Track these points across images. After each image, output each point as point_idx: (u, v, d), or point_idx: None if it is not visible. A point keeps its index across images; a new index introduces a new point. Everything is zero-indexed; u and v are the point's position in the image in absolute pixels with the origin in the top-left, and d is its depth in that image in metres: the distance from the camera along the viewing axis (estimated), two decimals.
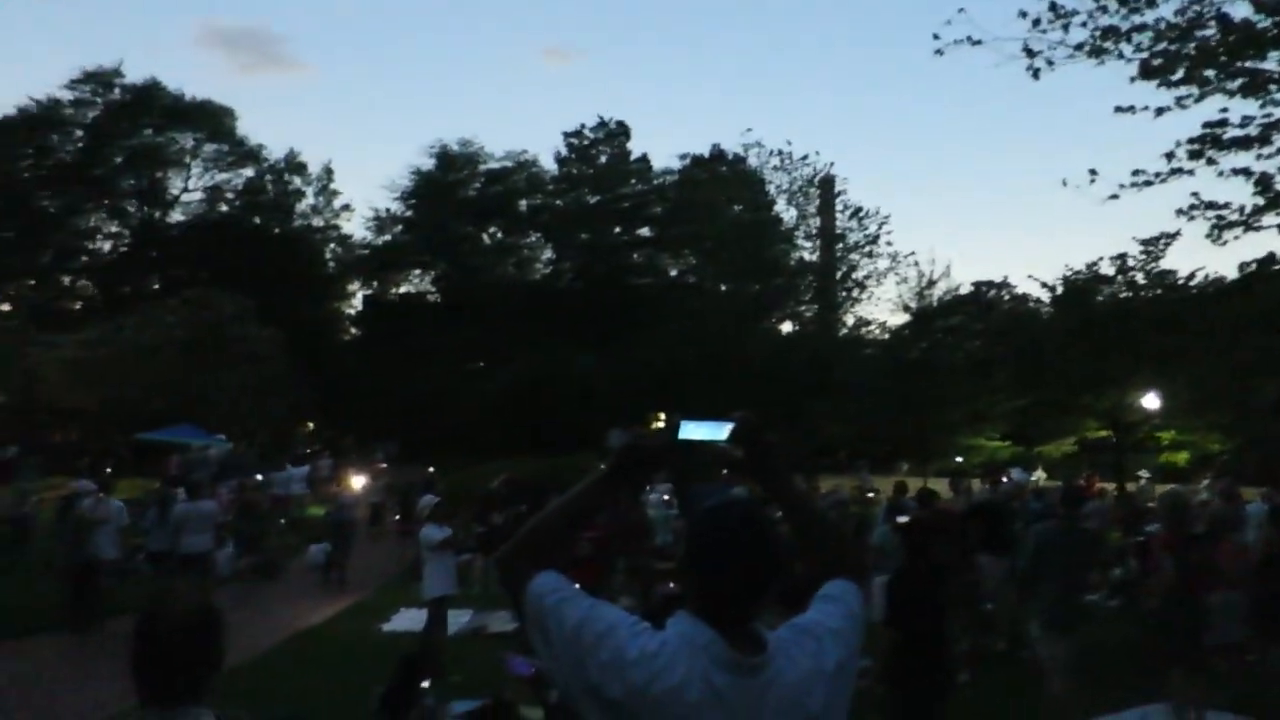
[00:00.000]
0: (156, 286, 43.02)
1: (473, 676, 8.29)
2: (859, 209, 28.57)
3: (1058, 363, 25.06)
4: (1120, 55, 9.30)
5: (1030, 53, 9.11)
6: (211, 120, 45.34)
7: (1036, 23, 9.13)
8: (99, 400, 28.81)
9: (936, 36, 9.35)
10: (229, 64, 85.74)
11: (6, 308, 38.16)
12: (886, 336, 29.18)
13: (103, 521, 12.21)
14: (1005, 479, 17.59)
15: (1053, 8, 9.13)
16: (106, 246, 47.09)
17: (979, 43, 9.21)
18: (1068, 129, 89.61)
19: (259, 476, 23.00)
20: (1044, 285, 27.61)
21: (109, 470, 20.36)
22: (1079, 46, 9.28)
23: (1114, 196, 8.86)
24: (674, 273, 44.75)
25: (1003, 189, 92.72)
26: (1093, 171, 9.07)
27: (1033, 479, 24.15)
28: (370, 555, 18.70)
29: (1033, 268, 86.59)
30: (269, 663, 10.12)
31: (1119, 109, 9.14)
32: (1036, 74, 9.17)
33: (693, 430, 2.04)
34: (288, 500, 23.25)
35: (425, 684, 7.07)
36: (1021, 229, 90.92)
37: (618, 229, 44.12)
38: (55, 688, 9.17)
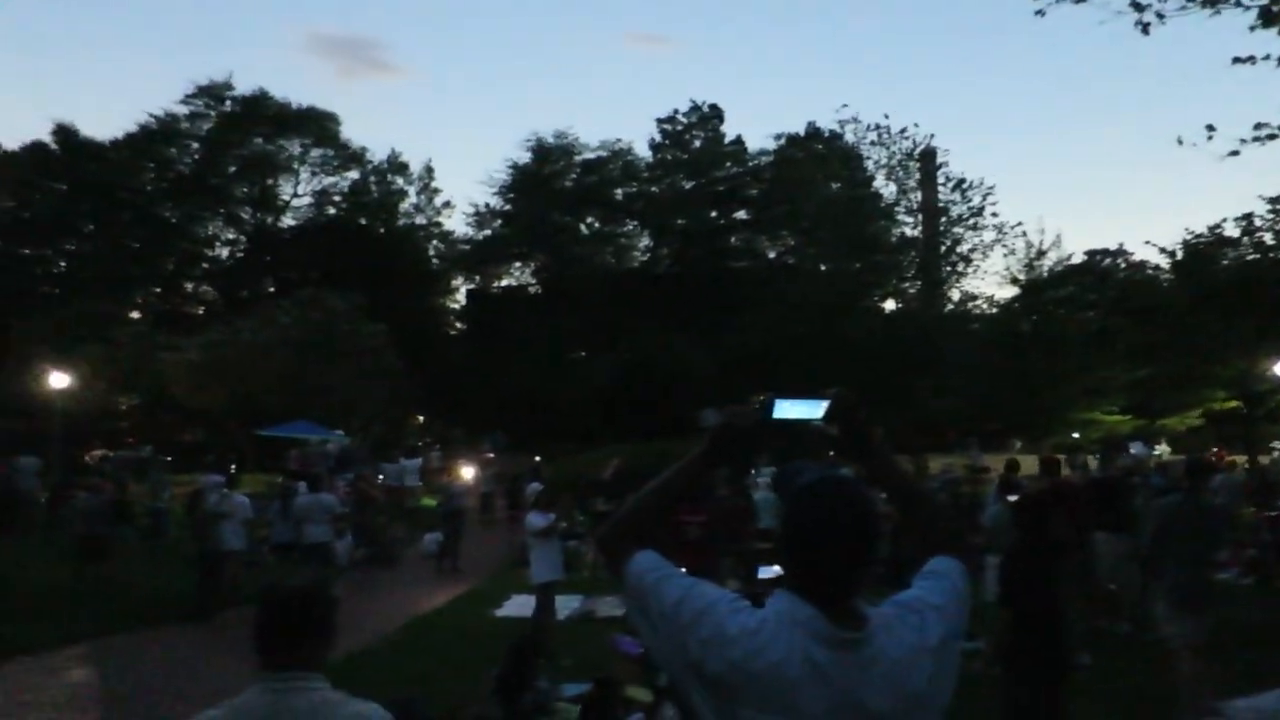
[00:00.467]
0: (271, 289, 44.70)
1: (583, 660, 8.41)
2: (961, 180, 27.71)
3: (1181, 332, 23.95)
4: (1238, 2, 8.78)
5: (1138, 6, 8.65)
6: (317, 126, 46.81)
7: None
8: (222, 399, 30.10)
9: None
10: (331, 71, 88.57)
11: (135, 315, 40.21)
12: (994, 311, 28.27)
13: (228, 515, 12.80)
14: (1125, 453, 16.91)
15: None
16: (224, 253, 49.15)
17: (1081, 0, 8.82)
18: (1181, 85, 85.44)
19: (381, 468, 23.75)
20: (1163, 251, 26.38)
21: (233, 466, 21.31)
22: None
23: (1234, 153, 8.36)
24: (772, 254, 44.30)
25: (1113, 153, 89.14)
26: (1210, 127, 8.59)
27: (1155, 453, 23.19)
28: (482, 543, 19.15)
29: (1149, 233, 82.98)
30: (388, 648, 10.46)
31: (1237, 60, 8.62)
32: (1146, 29, 8.72)
33: (787, 409, 2.01)
34: (401, 491, 23.95)
35: (536, 668, 7.19)
36: (1135, 194, 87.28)
37: (714, 213, 43.88)
38: (185, 672, 9.66)
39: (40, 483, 21.51)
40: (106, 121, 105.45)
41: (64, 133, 44.80)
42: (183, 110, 45.70)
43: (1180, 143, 8.51)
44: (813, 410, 2.02)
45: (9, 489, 15.16)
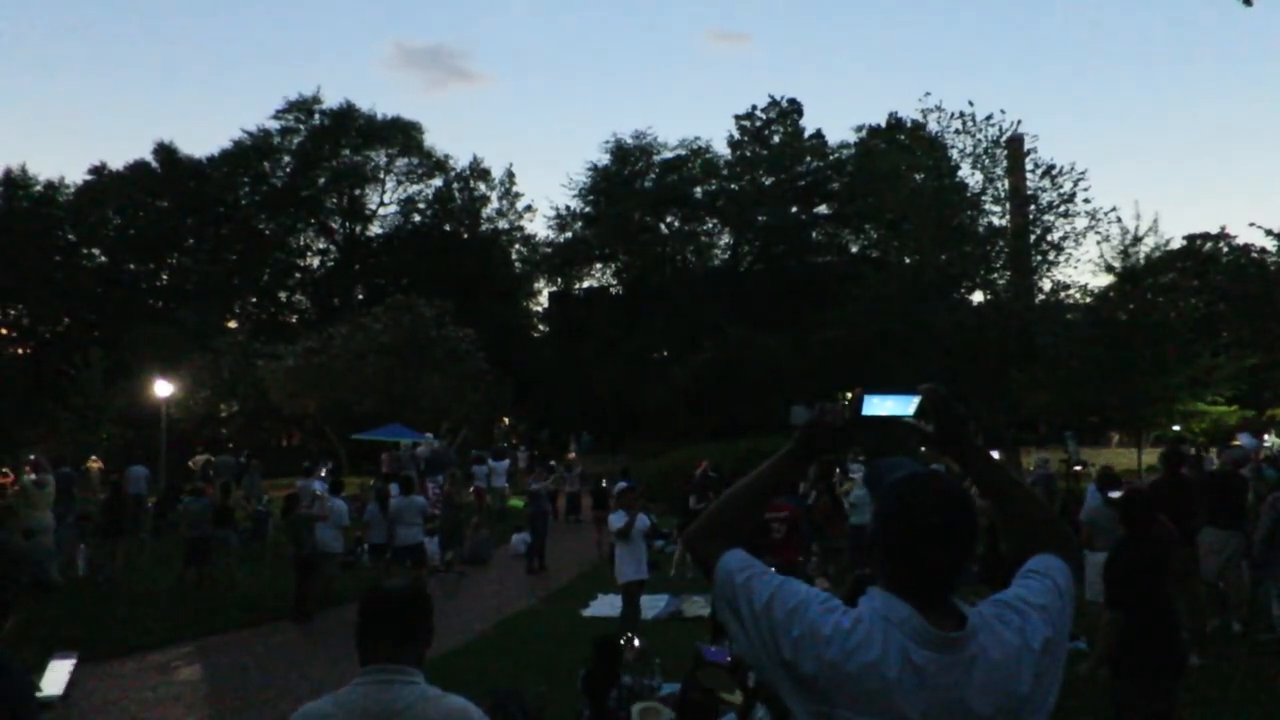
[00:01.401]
0: (361, 296, 45.90)
1: (670, 659, 8.38)
2: (1051, 166, 26.79)
3: None
4: None
5: None
6: (402, 136, 47.93)
7: None
8: (317, 405, 30.97)
9: None
10: (415, 81, 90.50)
11: (233, 325, 41.66)
12: (1089, 300, 27.32)
13: (320, 518, 13.14)
14: (1234, 444, 16.18)
15: None
16: (316, 262, 50.62)
17: None
18: None
19: (474, 469, 24.12)
20: (1269, 233, 25.18)
21: (331, 470, 21.89)
22: None
23: None
24: (856, 248, 43.68)
25: (1212, 131, 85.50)
26: None
27: (1265, 445, 22.16)
28: (569, 544, 19.30)
29: (1254, 215, 79.29)
30: (479, 647, 10.61)
31: None
32: (1249, 0, 8.32)
33: (877, 405, 1.97)
34: (490, 493, 24.28)
35: (621, 665, 7.21)
36: (1238, 174, 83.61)
37: (795, 208, 43.46)
38: (286, 669, 9.94)
39: (148, 489, 22.46)
40: (204, 139, 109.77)
41: (165, 151, 46.80)
42: (274, 125, 47.40)
43: None
44: (904, 406, 1.98)
45: (118, 496, 15.82)
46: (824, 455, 2.08)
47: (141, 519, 21.04)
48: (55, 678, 2.97)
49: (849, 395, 2.01)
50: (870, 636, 1.70)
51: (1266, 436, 24.88)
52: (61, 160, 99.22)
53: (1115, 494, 6.93)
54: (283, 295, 50.25)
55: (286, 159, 47.94)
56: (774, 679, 1.77)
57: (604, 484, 18.94)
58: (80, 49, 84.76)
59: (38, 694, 2.29)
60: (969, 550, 1.82)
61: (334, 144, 47.29)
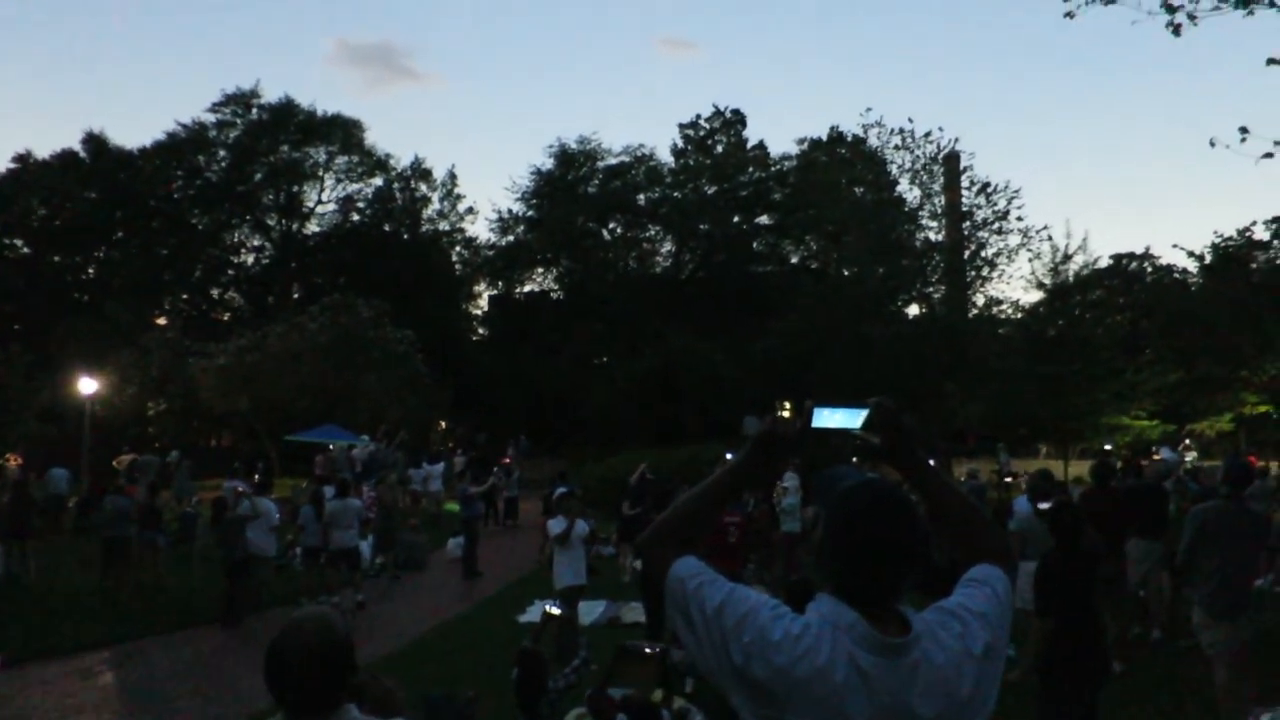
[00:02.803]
0: (297, 295, 45.03)
1: (605, 666, 8.37)
2: (986, 184, 27.48)
3: (1211, 335, 23.69)
4: (1272, 3, 8.66)
5: (1170, 8, 8.54)
6: (342, 133, 47.16)
7: None
8: (250, 405, 30.32)
9: None
10: (357, 79, 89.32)
11: (163, 321, 40.60)
12: (1020, 315, 28.06)
13: (253, 518, 12.88)
14: (1155, 458, 16.73)
15: None
16: (250, 259, 49.56)
17: (1112, 1, 8.71)
18: (1212, 89, 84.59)
19: (410, 472, 23.85)
20: (1191, 255, 26.10)
21: (261, 471, 21.46)
22: None
23: (1269, 155, 8.22)
24: (796, 259, 44.21)
25: (1140, 157, 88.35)
26: (1244, 129, 8.47)
27: (1186, 459, 22.92)
28: (507, 549, 19.19)
29: (1177, 237, 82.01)
30: (414, 652, 10.49)
31: (1272, 61, 8.50)
32: (1177, 30, 8.60)
33: (827, 418, 2.02)
34: (423, 497, 24.03)
35: (549, 671, 7.17)
36: (1162, 198, 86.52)
37: (737, 218, 43.84)
38: (213, 676, 9.73)
39: (69, 489, 21.79)
40: (136, 130, 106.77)
41: (94, 141, 45.40)
42: (211, 119, 46.23)
43: (1213, 145, 8.38)
44: (852, 420, 2.02)
45: (22, 496, 15.30)
46: (774, 466, 2.11)
47: (61, 519, 20.45)
48: None
49: (790, 406, 2.06)
50: (819, 642, 1.73)
51: (1188, 453, 25.71)
52: None
53: (1045, 505, 7.11)
54: (215, 292, 49.07)
55: (222, 153, 46.79)
56: (724, 684, 1.80)
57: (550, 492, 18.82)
58: (7, 33, 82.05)
59: None
60: (915, 558, 1.85)
61: (272, 139, 46.31)
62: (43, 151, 45.94)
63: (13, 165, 45.12)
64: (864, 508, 1.84)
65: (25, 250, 45.68)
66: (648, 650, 7.59)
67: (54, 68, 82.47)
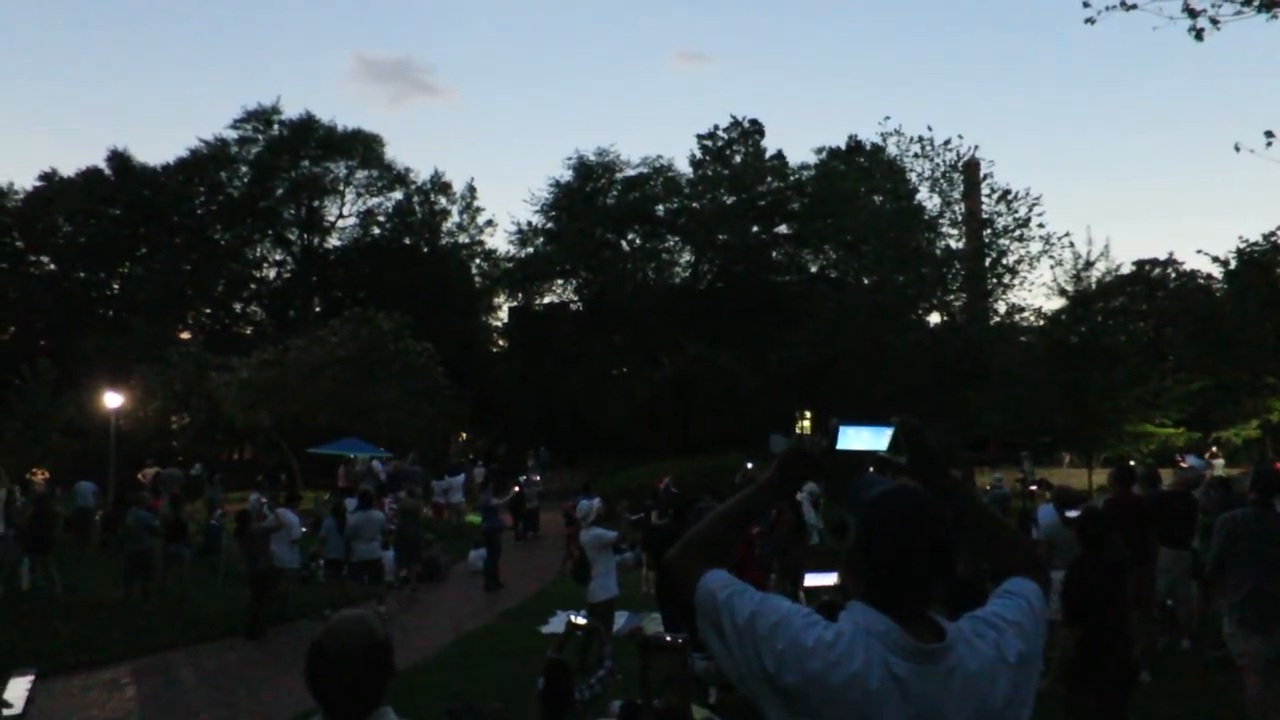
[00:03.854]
0: (318, 309, 45.38)
1: (631, 676, 8.36)
2: (1007, 191, 27.32)
3: (1237, 342, 23.44)
4: None
5: (1192, 13, 8.50)
6: (362, 148, 47.55)
7: None
8: (271, 418, 30.51)
9: (1087, 4, 8.86)
10: (378, 94, 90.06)
11: (186, 336, 40.98)
12: (1042, 323, 27.87)
13: (277, 528, 12.94)
14: (1181, 465, 16.56)
15: None
16: (272, 274, 49.99)
17: (1133, 7, 8.68)
18: (1236, 93, 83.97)
19: (433, 485, 23.94)
20: (1215, 260, 25.83)
21: (286, 484, 21.61)
22: (1247, 1, 8.62)
23: None
24: (815, 268, 44.10)
25: (1163, 162, 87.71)
26: (1269, 134, 8.41)
27: (1212, 466, 22.66)
28: (528, 560, 19.21)
29: (1201, 243, 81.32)
30: (438, 663, 10.51)
31: None
32: (1200, 35, 8.56)
33: (852, 437, 2.04)
34: (445, 508, 24.10)
35: (574, 683, 7.17)
36: (1186, 203, 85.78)
37: (756, 228, 43.77)
38: (237, 687, 9.77)
39: (96, 502, 21.99)
40: (160, 147, 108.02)
41: (119, 159, 46.00)
42: (232, 135, 46.79)
43: (1239, 150, 8.33)
44: (878, 439, 2.04)
45: (44, 510, 15.45)
46: (801, 484, 2.15)
47: (88, 532, 20.64)
48: (14, 694, 2.90)
49: (809, 416, 2.08)
50: (852, 649, 1.73)
51: (1214, 460, 25.43)
52: (11, 166, 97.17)
53: (1072, 513, 7.05)
54: (238, 307, 49.51)
55: (244, 169, 47.31)
56: (757, 694, 1.80)
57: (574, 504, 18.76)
58: (34, 53, 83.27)
59: None
60: (947, 564, 1.86)
61: (293, 155, 46.76)
62: (68, 170, 46.72)
63: (39, 183, 45.80)
64: (895, 514, 1.85)
65: (51, 267, 46.29)
66: (669, 639, 7.56)
67: (79, 87, 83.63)
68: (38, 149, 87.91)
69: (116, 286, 47.61)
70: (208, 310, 47.97)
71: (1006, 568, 2.02)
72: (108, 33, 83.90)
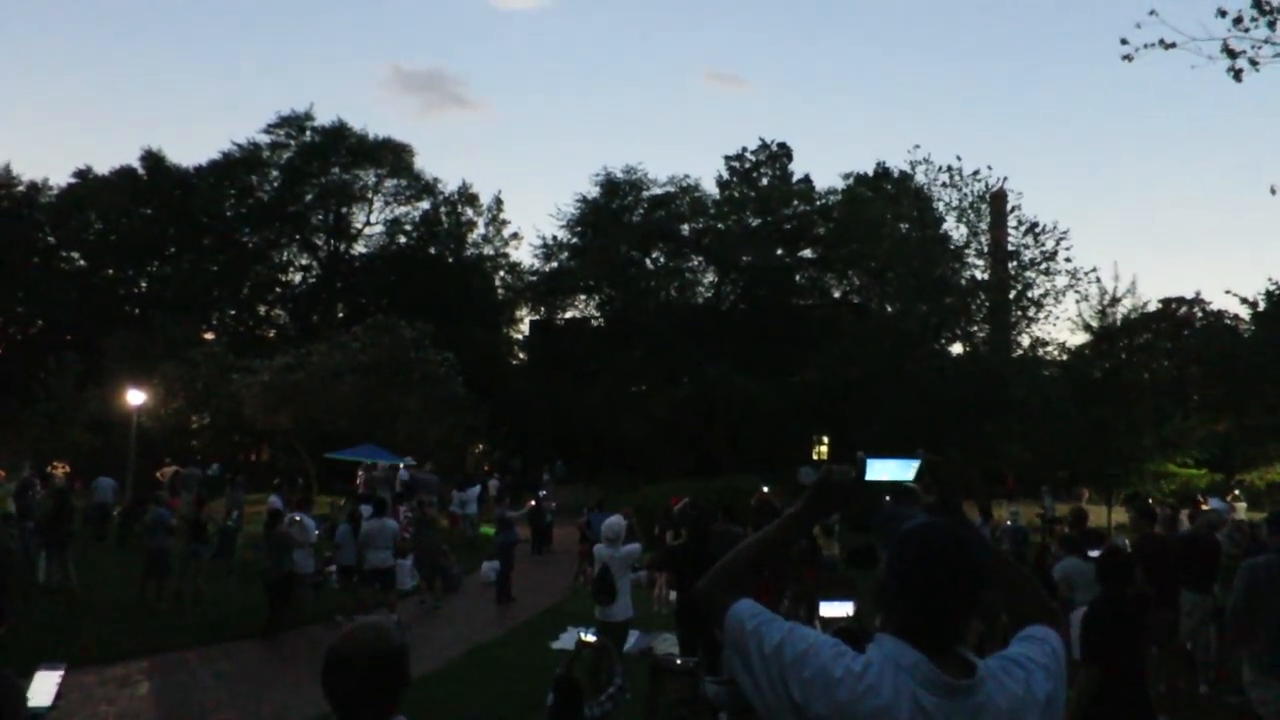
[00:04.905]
0: (342, 314, 45.66)
1: (640, 697, 8.33)
2: (1034, 224, 27.21)
3: (1263, 383, 23.21)
4: None
5: (1231, 53, 8.49)
6: (392, 157, 47.95)
7: (1238, 21, 8.51)
8: (290, 421, 30.67)
9: (1125, 41, 8.85)
10: (411, 104, 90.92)
11: (210, 336, 41.32)
12: (1066, 357, 27.70)
13: (303, 545, 13.00)
14: (1203, 507, 16.34)
15: (1256, 4, 8.49)
16: (298, 278, 50.35)
17: (1172, 46, 8.65)
18: (1272, 134, 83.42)
19: (454, 494, 23.99)
20: (1244, 301, 25.64)
21: (304, 488, 21.69)
22: None
23: None
24: (838, 293, 44.00)
25: (1194, 200, 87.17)
26: None
27: (1234, 510, 22.37)
28: (541, 575, 19.17)
29: (1229, 283, 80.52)
30: (449, 675, 10.50)
31: None
32: (1238, 75, 8.53)
33: (880, 469, 2.07)
34: (460, 519, 24.11)
35: (583, 701, 7.12)
36: (1215, 243, 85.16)
37: (780, 250, 43.77)
38: (248, 689, 9.79)
39: (114, 499, 22.17)
40: (193, 149, 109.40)
41: (152, 159, 46.58)
42: (265, 139, 47.29)
43: (1275, 192, 8.28)
44: (904, 471, 2.07)
45: (61, 504, 15.56)
46: (829, 514, 2.17)
47: (106, 528, 20.79)
48: (43, 688, 2.93)
49: (827, 442, 2.12)
50: (881, 681, 1.74)
51: (1237, 503, 25.12)
52: (47, 162, 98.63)
53: (1095, 552, 6.98)
54: (262, 309, 49.88)
55: (274, 173, 47.77)
56: None
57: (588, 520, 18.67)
58: (74, 52, 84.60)
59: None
60: (976, 600, 1.87)
61: (323, 161, 47.19)
62: (102, 167, 47.30)
63: (73, 180, 46.43)
64: (929, 548, 1.85)
65: (81, 263, 46.84)
66: (679, 662, 7.53)
67: (117, 87, 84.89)
68: (74, 146, 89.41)
69: (144, 285, 48.09)
70: (232, 312, 48.36)
71: (1024, 616, 2.05)
72: (147, 35, 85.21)
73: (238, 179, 47.12)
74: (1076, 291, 26.89)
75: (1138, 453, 25.04)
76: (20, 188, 45.47)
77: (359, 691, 2.21)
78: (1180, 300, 38.72)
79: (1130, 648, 5.32)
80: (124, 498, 22.89)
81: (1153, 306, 31.10)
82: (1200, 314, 37.73)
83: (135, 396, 27.92)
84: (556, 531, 23.94)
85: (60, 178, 48.75)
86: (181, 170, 46.83)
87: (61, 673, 3.03)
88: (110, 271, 47.11)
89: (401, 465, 25.56)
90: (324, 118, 47.91)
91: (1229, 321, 33.54)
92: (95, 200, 45.40)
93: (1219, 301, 40.35)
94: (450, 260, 48.24)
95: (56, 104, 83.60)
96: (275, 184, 47.61)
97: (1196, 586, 9.07)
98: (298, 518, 13.52)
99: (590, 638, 8.21)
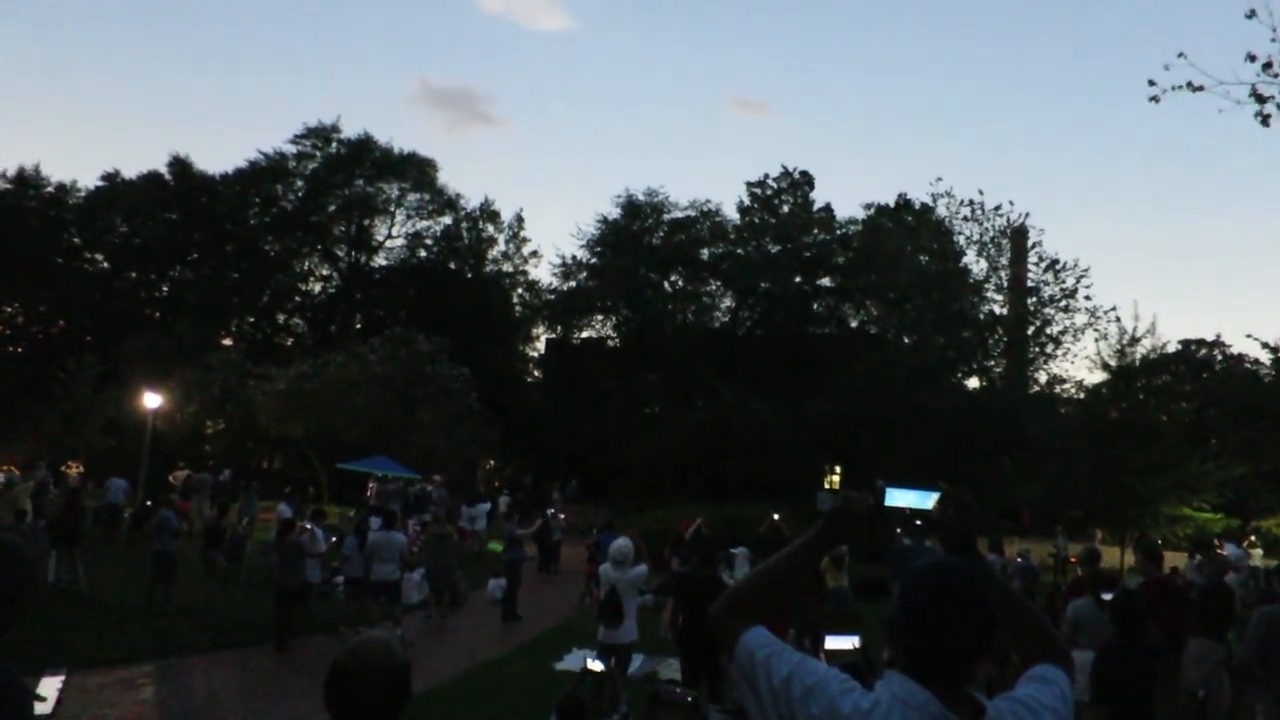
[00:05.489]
0: (359, 326, 45.83)
1: None
2: (1055, 261, 27.12)
3: None
4: None
5: (1260, 98, 8.47)
6: (416, 171, 48.27)
7: (1268, 66, 8.49)
8: (303, 430, 30.75)
9: (1153, 82, 8.83)
10: (437, 120, 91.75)
11: (228, 342, 41.57)
12: (1083, 396, 27.51)
13: (317, 555, 12.99)
14: (1219, 552, 16.16)
15: None
16: (317, 288, 50.65)
17: (1200, 89, 8.64)
18: None
19: (463, 509, 23.98)
20: (1265, 346, 25.45)
21: (314, 496, 21.70)
22: None
23: None
24: (855, 323, 43.94)
25: (1217, 243, 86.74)
26: None
27: (1251, 556, 22.12)
28: (547, 594, 19.10)
29: (1251, 327, 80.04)
30: (452, 692, 10.45)
31: None
32: (1266, 121, 8.51)
33: (898, 497, 2.05)
34: (469, 535, 24.05)
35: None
36: (1237, 286, 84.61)
37: (798, 278, 43.77)
38: (252, 698, 9.77)
39: (126, 500, 22.24)
40: (220, 157, 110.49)
41: (179, 165, 47.08)
42: (291, 150, 47.70)
43: None
44: (923, 501, 2.05)
45: (73, 504, 15.64)
46: (846, 542, 2.17)
47: (116, 529, 20.86)
48: (45, 693, 2.93)
49: (836, 477, 2.11)
50: (889, 718, 1.71)
51: (1253, 550, 24.84)
52: (76, 164, 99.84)
53: (1107, 595, 6.90)
54: (281, 317, 50.14)
55: (299, 183, 48.17)
56: None
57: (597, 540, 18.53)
58: (106, 57, 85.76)
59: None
60: (990, 641, 1.85)
61: (348, 173, 47.55)
62: (130, 172, 47.77)
63: (101, 183, 46.93)
64: (941, 587, 1.83)
65: (105, 265, 47.27)
66: (679, 690, 7.46)
67: (147, 93, 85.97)
68: (103, 150, 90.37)
69: (165, 289, 48.47)
70: (251, 319, 48.63)
71: (1034, 655, 2.02)
72: (179, 43, 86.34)
73: (263, 187, 47.53)
74: (1095, 330, 26.78)
75: (1153, 495, 24.80)
76: (49, 188, 45.98)
77: (361, 705, 2.20)
78: (1200, 342, 38.48)
79: (1142, 691, 5.25)
80: (135, 500, 22.96)
81: (1172, 348, 30.94)
82: (1220, 357, 37.46)
83: (151, 400, 28.04)
84: (564, 550, 23.84)
85: (89, 180, 49.24)
86: (208, 177, 47.31)
87: (63, 678, 3.03)
88: (133, 275, 47.51)
89: (429, 488, 25.54)
90: (350, 130, 48.43)
91: (1249, 366, 33.30)
92: (122, 203, 45.88)
93: (1239, 345, 40.04)
94: (469, 276, 48.43)
95: (87, 107, 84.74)
96: (299, 194, 47.98)
97: (1210, 633, 8.92)
98: (309, 527, 13.53)
99: (597, 665, 8.17)
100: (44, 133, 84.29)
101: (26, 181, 45.38)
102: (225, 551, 15.38)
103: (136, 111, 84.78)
